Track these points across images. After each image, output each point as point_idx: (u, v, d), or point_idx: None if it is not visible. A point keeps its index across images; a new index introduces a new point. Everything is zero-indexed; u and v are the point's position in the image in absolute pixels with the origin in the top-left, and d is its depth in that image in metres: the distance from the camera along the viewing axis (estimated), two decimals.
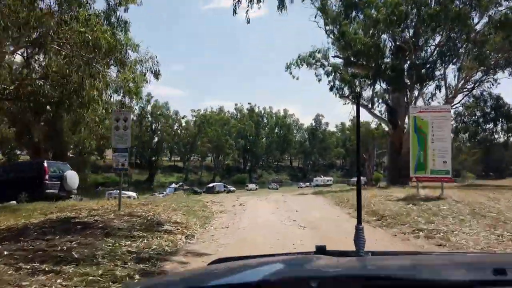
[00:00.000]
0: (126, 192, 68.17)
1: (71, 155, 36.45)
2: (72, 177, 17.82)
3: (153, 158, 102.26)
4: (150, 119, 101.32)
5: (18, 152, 44.65)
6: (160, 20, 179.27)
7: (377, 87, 31.61)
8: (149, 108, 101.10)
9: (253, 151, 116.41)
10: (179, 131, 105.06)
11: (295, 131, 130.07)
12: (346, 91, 31.22)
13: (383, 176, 65.16)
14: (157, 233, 8.78)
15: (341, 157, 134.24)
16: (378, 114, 33.95)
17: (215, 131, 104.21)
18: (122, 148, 11.19)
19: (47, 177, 16.92)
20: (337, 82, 31.04)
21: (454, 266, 1.44)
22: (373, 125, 56.78)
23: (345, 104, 32.51)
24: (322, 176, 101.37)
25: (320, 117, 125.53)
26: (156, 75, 14.55)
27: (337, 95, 31.57)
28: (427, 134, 14.80)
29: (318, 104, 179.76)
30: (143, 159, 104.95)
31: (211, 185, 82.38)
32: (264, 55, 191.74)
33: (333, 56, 30.90)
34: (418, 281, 1.16)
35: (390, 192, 17.71)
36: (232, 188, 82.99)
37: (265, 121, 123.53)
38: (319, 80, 31.52)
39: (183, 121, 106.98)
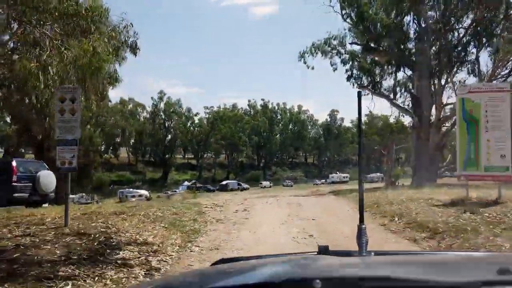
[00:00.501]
0: (138, 191, 65.97)
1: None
2: (47, 178, 14.88)
3: (167, 156, 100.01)
4: (163, 116, 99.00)
5: (23, 150, 42.32)
6: (174, 18, 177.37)
7: (400, 75, 28.01)
8: (162, 105, 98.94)
9: (267, 147, 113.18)
10: (192, 128, 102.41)
11: (309, 127, 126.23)
12: (365, 80, 27.73)
13: (402, 173, 61.36)
14: (104, 266, 5.70)
15: (357, 153, 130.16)
16: (401, 105, 30.21)
17: (228, 128, 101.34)
18: (69, 140, 8.11)
19: (15, 178, 14.04)
20: (354, 71, 27.59)
21: (459, 266, 1.42)
22: (392, 119, 53.09)
23: (364, 95, 28.95)
24: (338, 172, 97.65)
25: (335, 113, 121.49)
26: (134, 49, 11.53)
27: (355, 85, 28.13)
28: (479, 121, 11.40)
29: (333, 100, 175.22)
30: (156, 157, 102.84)
31: (224, 182, 79.58)
32: (278, 50, 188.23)
33: (350, 43, 27.47)
34: (422, 281, 1.13)
35: (429, 194, 14.25)
36: (246, 186, 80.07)
37: (279, 117, 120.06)
38: (335, 70, 28.15)
39: (196, 118, 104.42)
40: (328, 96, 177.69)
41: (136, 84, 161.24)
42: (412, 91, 27.50)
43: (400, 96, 29.09)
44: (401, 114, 30.45)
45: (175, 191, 70.53)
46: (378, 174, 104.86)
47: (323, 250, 1.66)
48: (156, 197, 70.20)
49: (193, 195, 25.93)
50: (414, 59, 23.56)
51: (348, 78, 27.28)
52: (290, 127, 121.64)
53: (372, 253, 1.63)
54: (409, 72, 27.32)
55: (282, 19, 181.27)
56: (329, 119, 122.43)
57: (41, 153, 33.40)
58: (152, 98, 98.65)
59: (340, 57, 27.04)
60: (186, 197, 24.80)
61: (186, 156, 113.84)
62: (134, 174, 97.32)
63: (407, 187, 27.74)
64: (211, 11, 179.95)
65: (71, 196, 31.52)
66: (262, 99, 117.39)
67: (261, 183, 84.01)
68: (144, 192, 62.38)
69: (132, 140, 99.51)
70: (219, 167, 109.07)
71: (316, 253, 1.67)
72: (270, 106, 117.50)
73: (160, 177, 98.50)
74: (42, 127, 25.06)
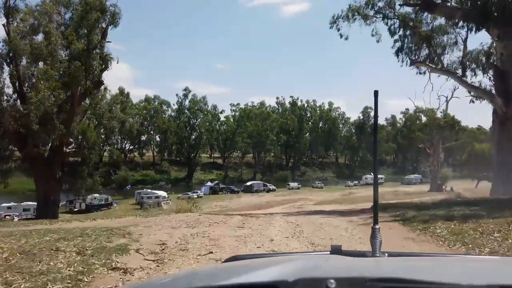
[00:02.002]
0: (156, 191, 61.22)
1: (70, 150, 28.63)
2: None
3: (192, 155, 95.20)
4: (188, 114, 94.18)
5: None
6: (206, 20, 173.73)
7: (474, 42, 20.68)
8: (186, 103, 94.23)
9: (296, 147, 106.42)
10: (217, 126, 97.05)
11: (341, 126, 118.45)
12: (417, 53, 20.76)
13: (450, 175, 53.17)
14: None
15: (392, 153, 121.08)
16: (474, 84, 22.53)
17: (255, 126, 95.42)
18: None
19: None
20: (406, 43, 20.71)
21: (475, 269, 1.37)
22: (439, 113, 45.50)
23: (419, 73, 21.98)
24: (372, 173, 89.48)
25: (369, 110, 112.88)
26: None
27: (406, 61, 21.28)
28: None
29: (366, 96, 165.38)
30: (182, 156, 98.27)
31: (249, 183, 73.64)
32: (308, 47, 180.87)
33: (401, 4, 20.50)
34: (437, 283, 1.09)
35: None
36: (272, 187, 73.82)
37: (308, 115, 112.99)
38: (378, 41, 21.42)
39: (221, 115, 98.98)
40: (361, 91, 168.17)
41: (165, 86, 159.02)
42: (495, 63, 19.88)
43: (473, 73, 21.37)
44: (477, 97, 21.97)
45: (196, 192, 65.22)
46: (416, 175, 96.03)
47: (336, 250, 1.61)
48: (176, 199, 65.66)
49: (192, 204, 19.98)
50: (500, 14, 16.40)
51: (398, 52, 20.51)
52: (320, 125, 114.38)
53: (386, 254, 1.58)
54: (487, 40, 19.91)
55: (312, 17, 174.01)
56: (361, 117, 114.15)
57: (30, 150, 28.76)
58: (177, 95, 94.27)
59: (386, 23, 20.21)
60: (183, 208, 18.86)
61: (213, 155, 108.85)
62: (158, 174, 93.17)
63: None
64: (241, 10, 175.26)
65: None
66: (291, 96, 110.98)
67: (288, 184, 77.46)
68: (162, 193, 57.47)
69: (157, 139, 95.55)
70: (245, 166, 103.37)
71: (329, 252, 1.62)
72: (299, 103, 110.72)
73: (185, 177, 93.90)
74: None
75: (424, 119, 49.35)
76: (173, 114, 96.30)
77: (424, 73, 21.55)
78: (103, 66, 27.78)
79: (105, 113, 31.37)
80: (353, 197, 47.13)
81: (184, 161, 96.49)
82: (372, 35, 21.27)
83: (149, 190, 58.44)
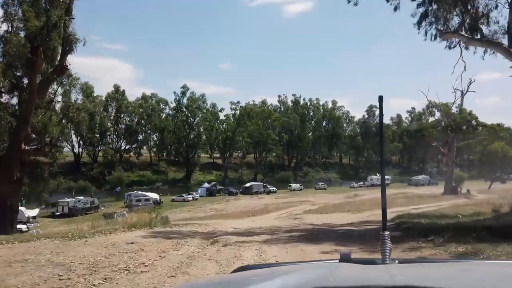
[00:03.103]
0: (147, 194, 56.50)
1: (30, 148, 23.99)
2: None
3: (190, 155, 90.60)
4: (186, 112, 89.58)
5: None
6: (207, 19, 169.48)
7: None
8: (184, 101, 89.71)
9: (298, 146, 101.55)
10: (217, 125, 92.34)
11: (345, 125, 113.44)
12: (450, 22, 15.91)
13: (465, 176, 48.15)
14: None
15: (398, 153, 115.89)
16: None
17: (256, 125, 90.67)
18: None
19: None
20: (432, 9, 15.86)
21: (488, 276, 1.32)
22: (454, 108, 40.58)
23: (448, 47, 17.07)
24: (378, 174, 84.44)
25: (374, 109, 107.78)
26: None
27: (431, 34, 16.43)
28: None
29: (371, 94, 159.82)
30: (180, 156, 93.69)
31: (248, 185, 68.92)
32: (313, 46, 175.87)
33: None
34: None
35: None
36: (273, 188, 69.08)
37: (311, 114, 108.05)
38: (396, 9, 16.61)
39: (221, 114, 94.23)
40: (366, 89, 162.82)
41: (167, 86, 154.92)
42: None
43: None
44: None
45: (192, 194, 60.57)
46: (423, 176, 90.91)
47: (346, 258, 1.55)
48: (170, 201, 61.25)
49: (156, 215, 15.27)
50: None
51: (421, 20, 15.72)
52: (324, 124, 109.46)
53: (396, 261, 1.52)
54: None
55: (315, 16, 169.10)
56: (366, 116, 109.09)
57: None
58: (174, 92, 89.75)
59: None
60: (140, 221, 14.11)
61: (212, 156, 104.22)
62: (156, 174, 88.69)
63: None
64: (243, 10, 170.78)
65: None
66: (293, 95, 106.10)
67: (290, 186, 72.64)
68: (153, 195, 52.94)
69: (154, 138, 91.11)
70: (246, 167, 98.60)
71: (337, 260, 1.56)
72: (301, 102, 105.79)
73: (183, 178, 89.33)
74: None
75: (437, 115, 44.26)
76: (170, 112, 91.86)
77: (455, 46, 16.72)
78: (67, 48, 23.22)
79: (73, 105, 26.51)
80: (359, 200, 42.30)
81: (182, 161, 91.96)
82: (388, 0, 16.44)
83: (139, 192, 53.85)
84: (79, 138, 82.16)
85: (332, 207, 30.70)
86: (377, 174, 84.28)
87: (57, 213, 44.55)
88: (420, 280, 1.15)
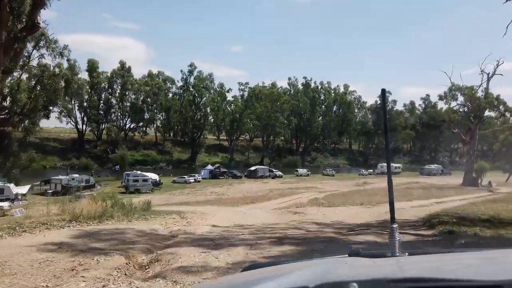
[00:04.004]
0: (146, 174, 53.50)
1: None
2: None
3: (196, 136, 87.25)
4: (193, 92, 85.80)
5: None
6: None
7: None
8: (192, 80, 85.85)
9: (307, 131, 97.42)
10: (224, 106, 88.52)
11: (356, 110, 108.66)
12: None
13: (487, 167, 43.73)
14: None
15: (410, 141, 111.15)
16: None
17: (264, 107, 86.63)
18: None
19: None
20: None
21: (500, 265, 1.29)
22: (480, 92, 36.08)
23: None
24: None
25: (387, 94, 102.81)
26: None
27: None
28: None
29: (384, 80, 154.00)
30: (186, 136, 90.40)
31: (253, 168, 65.41)
32: (328, 29, 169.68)
33: None
34: (463, 281, 1.06)
35: None
36: (279, 173, 65.50)
37: (322, 97, 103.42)
38: None
39: (229, 95, 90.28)
40: (380, 74, 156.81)
41: (178, 66, 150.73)
42: None
43: None
44: None
45: (194, 175, 57.27)
46: (436, 165, 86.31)
47: (355, 252, 1.54)
48: (171, 183, 58.16)
49: (111, 203, 11.80)
50: None
51: None
52: (334, 109, 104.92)
53: (406, 253, 1.50)
54: None
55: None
56: (379, 101, 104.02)
57: None
58: (181, 71, 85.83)
59: None
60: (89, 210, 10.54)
61: (221, 137, 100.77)
62: (160, 154, 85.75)
63: None
64: None
65: None
66: (304, 77, 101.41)
67: (296, 171, 69.00)
68: (152, 176, 49.76)
69: (160, 117, 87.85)
70: (253, 150, 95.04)
71: (347, 255, 1.54)
72: (312, 85, 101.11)
73: (188, 159, 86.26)
74: None
75: (460, 99, 39.75)
76: (177, 91, 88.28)
77: None
78: (38, 2, 19.53)
79: (47, 70, 22.94)
80: (371, 189, 38.49)
81: (188, 142, 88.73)
82: None
83: (138, 172, 50.65)
84: (83, 114, 79.42)
85: (341, 196, 27.04)
86: None
87: (50, 191, 41.72)
88: (433, 271, 1.14)
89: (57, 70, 22.68)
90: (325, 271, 1.24)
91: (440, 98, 41.33)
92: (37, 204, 37.41)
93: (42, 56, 22.87)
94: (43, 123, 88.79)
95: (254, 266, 1.67)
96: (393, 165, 79.62)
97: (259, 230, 9.23)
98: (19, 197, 37.91)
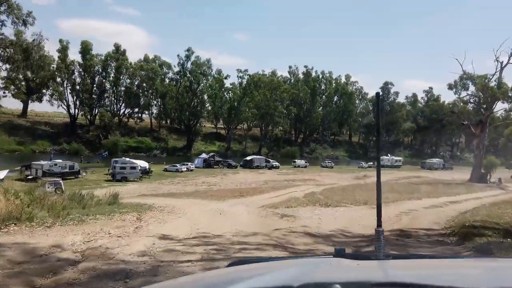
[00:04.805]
0: (134, 161, 50.37)
1: None
2: None
3: (192, 123, 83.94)
4: (190, 78, 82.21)
5: None
6: None
7: None
8: (189, 65, 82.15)
9: (306, 121, 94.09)
10: (222, 93, 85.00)
11: (357, 101, 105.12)
12: None
13: (498, 162, 40.47)
14: None
15: (411, 134, 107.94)
16: None
17: (263, 95, 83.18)
18: None
19: None
20: None
21: (481, 272, 1.34)
22: (494, 82, 32.67)
23: None
24: (389, 155, 77.17)
25: (389, 86, 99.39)
26: None
27: None
28: None
29: (387, 71, 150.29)
30: (182, 124, 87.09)
31: (249, 158, 62.23)
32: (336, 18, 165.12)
33: None
34: (442, 287, 1.06)
35: None
36: (276, 164, 62.37)
37: (322, 87, 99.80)
38: None
39: (227, 82, 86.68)
40: (384, 66, 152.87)
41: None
42: None
43: None
44: None
45: (186, 164, 54.12)
46: (437, 159, 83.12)
47: (340, 253, 1.53)
48: (163, 171, 55.07)
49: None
50: None
51: None
52: (335, 99, 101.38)
53: (390, 257, 1.52)
54: None
55: None
56: (381, 93, 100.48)
57: None
58: (178, 56, 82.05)
59: None
60: None
61: (219, 126, 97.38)
62: (155, 141, 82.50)
63: None
64: None
65: None
66: (305, 66, 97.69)
67: (294, 162, 65.93)
68: (142, 164, 46.60)
69: (155, 103, 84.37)
70: (251, 140, 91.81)
71: (332, 256, 1.54)
72: (313, 74, 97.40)
73: (184, 146, 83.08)
74: None
75: (471, 89, 36.30)
76: (174, 77, 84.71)
77: None
78: None
79: (3, 39, 19.57)
80: (371, 183, 35.35)
81: (184, 130, 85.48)
82: None
83: (127, 159, 47.42)
84: (75, 98, 76.00)
85: (341, 191, 23.93)
86: (388, 155, 76.93)
87: (30, 177, 38.67)
88: (413, 276, 1.15)
89: (14, 38, 19.35)
90: (309, 271, 1.22)
91: (450, 87, 38.02)
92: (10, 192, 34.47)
93: (2, 23, 19.48)
94: (36, 106, 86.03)
95: (239, 262, 1.61)
96: (394, 158, 76.62)
97: (222, 250, 6.20)
98: None
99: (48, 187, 27.21)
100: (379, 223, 1.64)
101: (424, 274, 1.22)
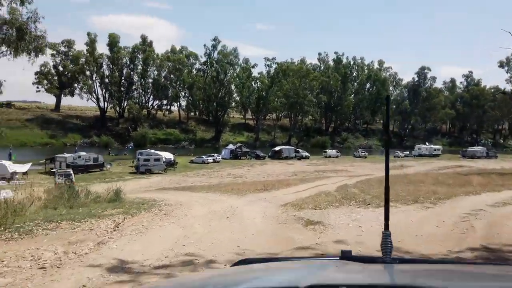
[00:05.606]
0: (159, 153, 48.69)
1: None
2: None
3: (220, 114, 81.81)
4: (217, 68, 79.87)
5: None
6: None
7: None
8: (215, 55, 79.78)
9: (337, 109, 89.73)
10: (249, 83, 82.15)
11: (391, 88, 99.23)
12: None
13: None
14: None
15: (449, 121, 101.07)
16: None
17: (292, 84, 79.62)
18: None
19: None
20: None
21: (486, 277, 1.32)
22: None
23: None
24: (427, 143, 71.79)
25: (426, 71, 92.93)
26: None
27: None
28: None
29: (422, 56, 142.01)
30: (210, 115, 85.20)
31: (277, 148, 59.20)
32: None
33: None
34: None
35: None
36: (306, 154, 59.00)
37: (354, 74, 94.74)
38: None
39: (254, 71, 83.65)
40: (418, 50, 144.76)
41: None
42: None
43: None
44: None
45: (213, 155, 52.06)
46: (479, 147, 76.83)
47: (346, 255, 1.51)
48: (189, 163, 53.20)
49: None
50: None
51: None
52: (368, 86, 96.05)
53: (397, 260, 1.50)
54: None
55: None
56: (416, 79, 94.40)
57: None
58: (205, 45, 79.81)
59: None
60: None
61: (245, 116, 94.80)
62: (183, 133, 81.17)
63: None
64: None
65: None
66: (335, 53, 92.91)
67: (325, 152, 62.30)
68: (167, 155, 44.70)
69: (183, 94, 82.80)
70: (280, 130, 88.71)
71: (338, 258, 1.52)
72: (344, 60, 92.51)
73: (212, 138, 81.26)
74: None
75: None
76: (200, 67, 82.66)
77: None
78: None
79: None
80: (412, 174, 31.63)
81: (212, 121, 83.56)
82: None
83: (152, 151, 45.73)
84: (104, 90, 75.70)
85: (378, 184, 20.62)
86: (427, 143, 71.63)
87: (53, 170, 37.70)
88: (420, 280, 1.12)
89: (7, 16, 17.60)
90: (315, 272, 1.21)
91: (501, 65, 33.42)
92: (35, 184, 33.42)
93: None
94: (69, 101, 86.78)
95: (245, 261, 1.58)
96: (433, 147, 71.28)
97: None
98: (17, 176, 34.01)
99: (58, 178, 25.86)
100: (386, 226, 1.53)
101: (431, 278, 1.16)
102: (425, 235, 6.97)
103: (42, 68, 73.83)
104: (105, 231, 6.83)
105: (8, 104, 74.34)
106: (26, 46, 17.13)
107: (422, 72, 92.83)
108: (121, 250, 5.51)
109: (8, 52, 17.40)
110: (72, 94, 77.91)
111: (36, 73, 74.75)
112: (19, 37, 16.08)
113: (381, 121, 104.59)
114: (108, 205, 12.69)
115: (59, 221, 7.33)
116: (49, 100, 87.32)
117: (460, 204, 11.84)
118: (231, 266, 1.60)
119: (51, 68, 74.28)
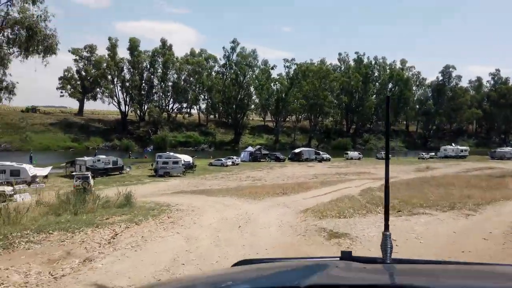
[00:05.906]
0: (179, 156, 48.22)
1: None
2: None
3: (239, 116, 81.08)
4: (236, 70, 79.22)
5: None
6: None
7: None
8: (234, 57, 79.16)
9: (359, 111, 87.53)
10: (268, 84, 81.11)
11: (414, 88, 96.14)
12: None
13: None
14: None
15: (475, 121, 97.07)
16: None
17: (311, 85, 78.10)
18: None
19: None
20: None
21: (487, 278, 1.32)
22: None
23: None
24: (453, 144, 68.88)
25: (451, 69, 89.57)
26: None
27: None
28: None
29: (447, 53, 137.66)
30: (229, 117, 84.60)
31: (297, 150, 57.84)
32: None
33: None
34: None
35: None
36: (327, 156, 57.48)
37: (376, 74, 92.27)
38: None
39: (273, 72, 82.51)
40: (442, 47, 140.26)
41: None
42: None
43: None
44: None
45: (232, 158, 51.14)
46: (509, 148, 73.17)
47: (346, 256, 1.52)
48: (208, 165, 52.53)
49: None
50: None
51: None
52: (390, 86, 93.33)
53: (397, 261, 1.53)
54: None
55: None
56: (441, 78, 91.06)
57: None
58: (223, 48, 79.32)
59: None
60: None
61: (265, 118, 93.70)
62: (203, 135, 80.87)
63: None
64: None
65: None
66: (356, 53, 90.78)
67: (346, 154, 60.55)
68: (186, 158, 44.11)
69: (202, 97, 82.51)
70: (300, 131, 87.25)
71: (338, 258, 1.52)
72: (365, 61, 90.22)
73: (231, 140, 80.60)
74: None
75: None
76: (219, 70, 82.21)
77: None
78: None
79: (6, 17, 17.16)
80: (440, 176, 29.84)
81: (231, 123, 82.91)
82: None
83: (171, 154, 45.25)
84: (125, 94, 76.27)
85: (405, 187, 19.21)
86: (453, 144, 68.71)
87: (74, 173, 37.71)
88: (419, 280, 1.13)
89: (17, 16, 17.20)
90: (316, 273, 1.19)
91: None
92: (53, 188, 33.34)
93: (9, 0, 17.27)
94: (91, 105, 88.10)
95: (245, 261, 1.57)
96: (459, 147, 68.29)
97: None
98: (37, 179, 34.06)
99: (76, 181, 25.57)
100: (386, 227, 1.55)
101: (430, 278, 1.16)
102: (473, 251, 5.78)
103: (66, 73, 75.13)
104: (97, 244, 5.96)
105: (33, 109, 75.90)
106: (37, 46, 16.75)
107: (446, 71, 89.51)
108: (106, 272, 4.60)
109: (19, 52, 17.10)
110: (94, 98, 78.90)
111: (59, 78, 76.14)
112: (29, 37, 15.70)
113: (404, 122, 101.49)
114: (116, 210, 11.92)
115: (51, 232, 6.52)
116: (74, 105, 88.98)
117: (504, 211, 10.45)
118: (231, 266, 1.57)
119: (74, 73, 75.43)
